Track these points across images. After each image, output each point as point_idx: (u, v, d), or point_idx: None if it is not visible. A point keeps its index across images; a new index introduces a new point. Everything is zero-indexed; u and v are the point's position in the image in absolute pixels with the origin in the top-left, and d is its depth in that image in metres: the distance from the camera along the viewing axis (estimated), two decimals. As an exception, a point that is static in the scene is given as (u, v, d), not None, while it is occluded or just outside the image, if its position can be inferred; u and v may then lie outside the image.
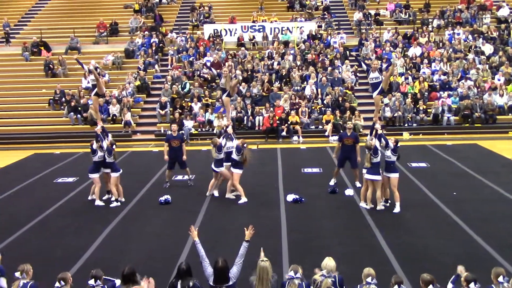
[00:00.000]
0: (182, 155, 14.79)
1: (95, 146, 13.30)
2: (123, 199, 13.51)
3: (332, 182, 14.35)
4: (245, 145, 13.32)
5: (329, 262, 6.83)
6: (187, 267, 6.65)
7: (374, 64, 12.97)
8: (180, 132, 20.87)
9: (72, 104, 23.94)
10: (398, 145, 12.34)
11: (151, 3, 33.01)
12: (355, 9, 32.30)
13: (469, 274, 6.61)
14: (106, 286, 6.77)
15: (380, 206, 12.30)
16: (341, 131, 18.68)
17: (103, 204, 13.36)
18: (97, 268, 6.88)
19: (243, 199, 13.31)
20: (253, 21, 30.68)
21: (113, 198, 13.41)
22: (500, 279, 6.58)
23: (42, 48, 29.36)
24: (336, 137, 21.83)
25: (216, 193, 13.91)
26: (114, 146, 13.41)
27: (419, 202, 12.78)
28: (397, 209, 12.18)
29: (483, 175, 15.51)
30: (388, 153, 12.13)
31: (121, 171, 13.50)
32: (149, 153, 20.60)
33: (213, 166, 13.67)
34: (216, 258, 6.67)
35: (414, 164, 16.82)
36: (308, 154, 19.43)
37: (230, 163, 13.49)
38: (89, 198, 13.75)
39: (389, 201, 12.63)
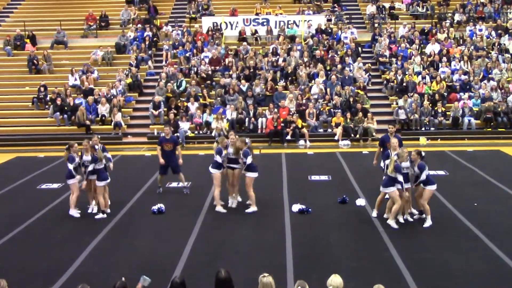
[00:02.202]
0: (175, 159, 15.01)
1: (74, 150, 12.97)
2: (108, 211, 13.36)
3: None
4: (247, 142, 13.21)
5: (335, 278, 6.85)
6: (182, 281, 6.69)
7: (404, 153, 12.57)
8: (175, 134, 21.07)
9: (58, 103, 23.97)
10: (423, 154, 12.26)
11: (144, -7, 33.16)
12: (368, 2, 32.39)
13: None
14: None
15: (392, 222, 12.12)
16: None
17: (79, 215, 13.08)
18: (83, 283, 6.86)
19: (252, 208, 13.27)
20: (256, 14, 30.77)
21: (94, 210, 13.22)
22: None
23: (28, 41, 29.46)
24: (348, 142, 22.06)
25: (233, 201, 13.83)
26: (107, 154, 13.30)
27: (437, 214, 12.74)
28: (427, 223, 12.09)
29: (507, 184, 15.49)
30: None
31: (108, 180, 13.28)
32: (141, 157, 20.62)
33: (210, 167, 13.53)
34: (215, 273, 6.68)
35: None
36: (315, 160, 19.43)
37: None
38: (90, 210, 13.55)
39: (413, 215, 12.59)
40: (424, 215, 12.37)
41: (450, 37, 28.38)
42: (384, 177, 12.28)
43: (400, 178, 11.90)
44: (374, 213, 12.77)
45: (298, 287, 6.65)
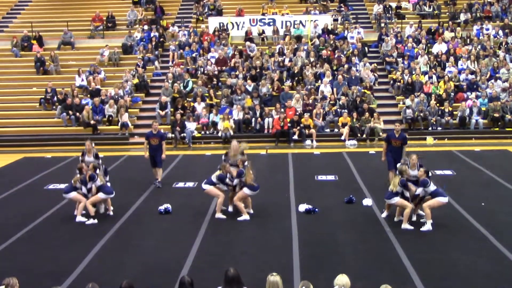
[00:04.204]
0: (161, 153, 15.64)
1: (85, 170, 12.92)
2: (111, 213, 13.36)
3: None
4: (245, 163, 13.02)
5: (342, 278, 6.86)
6: (191, 280, 6.75)
7: (404, 167, 12.41)
8: (182, 134, 21.37)
9: (68, 103, 24.01)
10: (430, 174, 12.15)
11: (151, -6, 33.21)
12: (374, 2, 32.30)
13: None
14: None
15: (406, 225, 12.01)
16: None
17: (85, 219, 12.85)
18: (93, 283, 6.87)
19: (244, 217, 12.85)
20: (263, 14, 30.75)
21: (102, 210, 13.21)
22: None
23: (35, 42, 29.56)
24: (355, 142, 22.03)
25: (230, 209, 13.54)
26: (98, 171, 13.14)
27: (444, 214, 12.70)
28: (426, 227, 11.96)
29: (515, 184, 15.45)
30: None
31: (112, 195, 13.12)
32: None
33: (203, 184, 13.26)
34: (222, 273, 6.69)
35: (438, 172, 16.75)
36: (322, 160, 19.40)
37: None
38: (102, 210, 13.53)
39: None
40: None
41: (457, 37, 28.27)
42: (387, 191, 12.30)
43: (407, 194, 11.99)
44: (384, 214, 12.69)
45: (303, 287, 6.65)
